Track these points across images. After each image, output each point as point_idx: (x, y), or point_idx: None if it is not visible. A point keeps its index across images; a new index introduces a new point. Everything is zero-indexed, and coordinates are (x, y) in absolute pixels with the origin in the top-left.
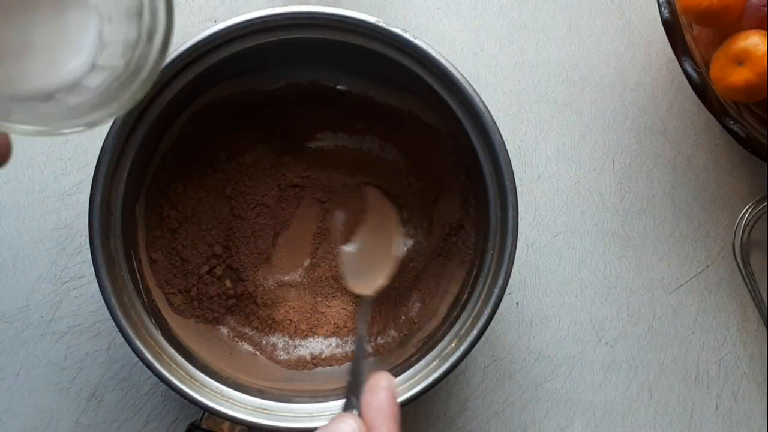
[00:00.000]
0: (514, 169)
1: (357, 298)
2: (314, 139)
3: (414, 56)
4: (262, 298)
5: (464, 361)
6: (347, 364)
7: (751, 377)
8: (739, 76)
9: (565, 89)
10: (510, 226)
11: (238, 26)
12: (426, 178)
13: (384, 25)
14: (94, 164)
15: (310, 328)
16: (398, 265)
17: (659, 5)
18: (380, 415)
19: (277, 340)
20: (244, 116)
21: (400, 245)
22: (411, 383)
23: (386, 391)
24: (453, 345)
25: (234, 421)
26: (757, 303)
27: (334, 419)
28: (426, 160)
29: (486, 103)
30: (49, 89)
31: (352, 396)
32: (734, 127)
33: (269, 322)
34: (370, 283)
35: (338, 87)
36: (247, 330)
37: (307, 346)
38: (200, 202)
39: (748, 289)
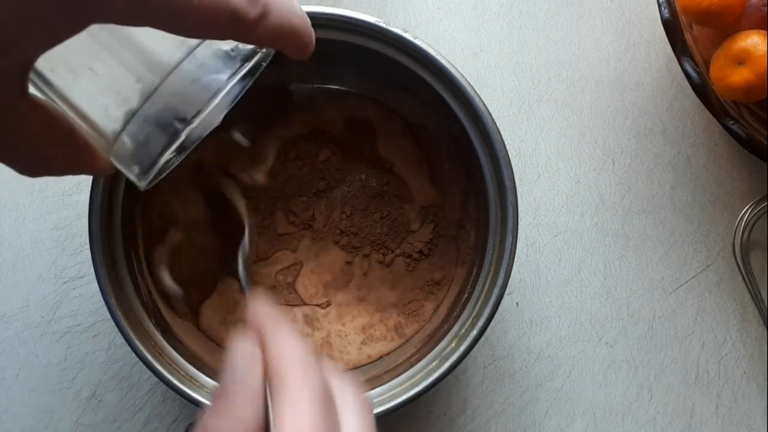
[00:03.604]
0: (514, 169)
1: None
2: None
3: (414, 56)
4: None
5: (464, 361)
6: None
7: (751, 377)
8: (739, 76)
9: (565, 89)
10: (510, 226)
11: None
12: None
13: (384, 25)
14: None
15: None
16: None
17: (659, 5)
18: (264, 319)
19: None
20: (242, 117)
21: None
22: (411, 383)
23: (261, 302)
24: (453, 345)
25: None
26: (757, 303)
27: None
28: (426, 160)
29: (486, 103)
30: None
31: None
32: (734, 127)
33: None
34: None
35: (338, 87)
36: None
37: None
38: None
39: (748, 289)
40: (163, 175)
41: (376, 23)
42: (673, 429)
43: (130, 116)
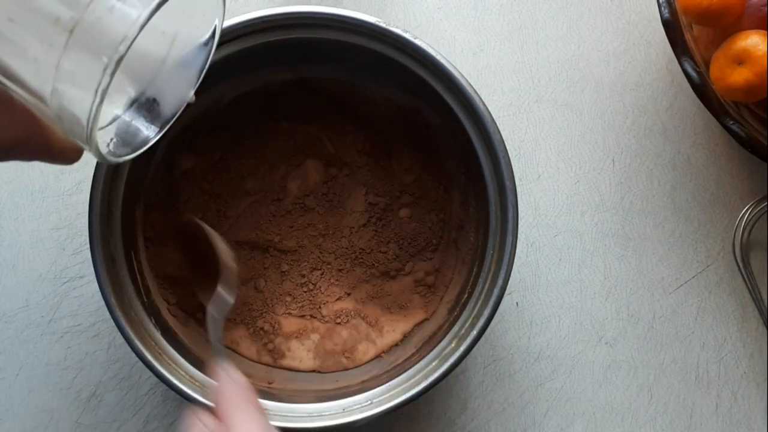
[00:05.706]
0: (514, 169)
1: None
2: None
3: (414, 56)
4: (264, 299)
5: (464, 361)
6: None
7: (751, 377)
8: (739, 76)
9: (565, 89)
10: (510, 226)
11: (237, 26)
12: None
13: (384, 25)
14: (94, 164)
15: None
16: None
17: (659, 5)
18: (227, 399)
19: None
20: (241, 118)
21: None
22: (411, 383)
23: (226, 376)
24: (453, 345)
25: None
26: (757, 303)
27: (183, 420)
28: (426, 160)
29: (486, 103)
30: None
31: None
32: (734, 127)
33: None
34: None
35: (338, 86)
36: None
37: None
38: None
39: (748, 289)
40: (136, 153)
41: (376, 23)
42: (673, 429)
43: (56, 64)
